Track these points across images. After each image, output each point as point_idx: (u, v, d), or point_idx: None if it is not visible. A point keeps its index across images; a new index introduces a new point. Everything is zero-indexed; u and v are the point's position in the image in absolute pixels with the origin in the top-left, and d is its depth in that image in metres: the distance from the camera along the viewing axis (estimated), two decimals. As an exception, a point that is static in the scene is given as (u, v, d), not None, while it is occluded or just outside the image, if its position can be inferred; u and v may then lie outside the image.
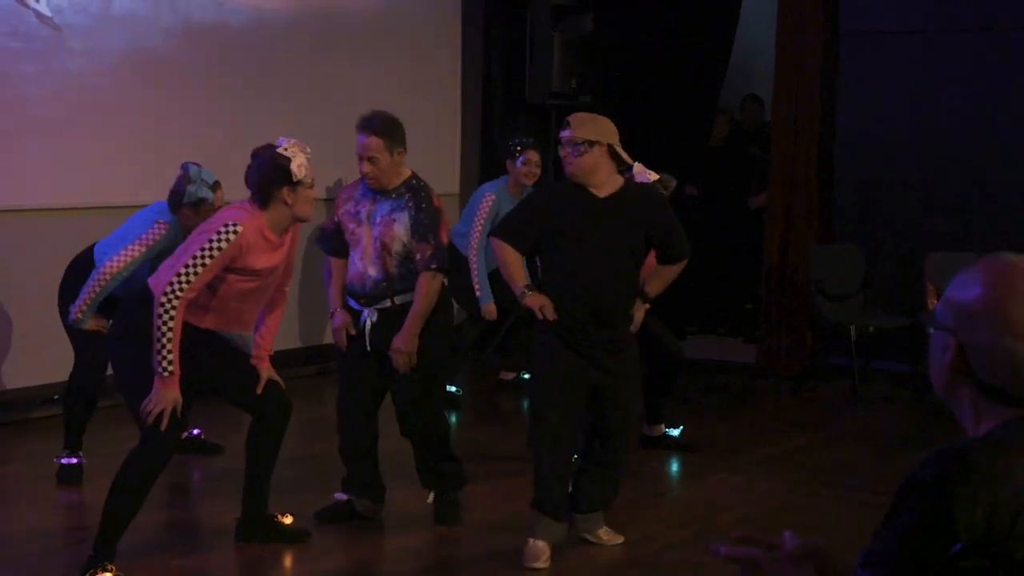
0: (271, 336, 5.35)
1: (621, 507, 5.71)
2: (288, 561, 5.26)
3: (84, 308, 5.82)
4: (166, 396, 4.72)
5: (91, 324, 5.88)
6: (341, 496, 5.60)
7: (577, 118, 5.24)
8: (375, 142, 5.29)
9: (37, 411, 7.23)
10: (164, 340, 4.68)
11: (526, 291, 5.15)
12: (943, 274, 7.50)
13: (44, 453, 6.35)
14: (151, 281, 4.85)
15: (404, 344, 5.27)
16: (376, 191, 5.36)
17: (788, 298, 9.09)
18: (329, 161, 8.76)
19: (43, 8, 7.23)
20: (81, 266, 6.09)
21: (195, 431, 6.69)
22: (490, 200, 7.72)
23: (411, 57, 9.35)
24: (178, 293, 4.70)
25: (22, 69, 7.19)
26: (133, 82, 7.65)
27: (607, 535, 5.44)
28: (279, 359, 8.61)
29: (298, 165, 4.87)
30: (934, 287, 7.95)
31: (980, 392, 2.01)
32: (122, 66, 7.62)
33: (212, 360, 5.03)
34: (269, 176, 4.88)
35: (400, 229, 5.30)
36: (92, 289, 5.80)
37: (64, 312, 6.04)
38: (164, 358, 4.68)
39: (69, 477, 6.08)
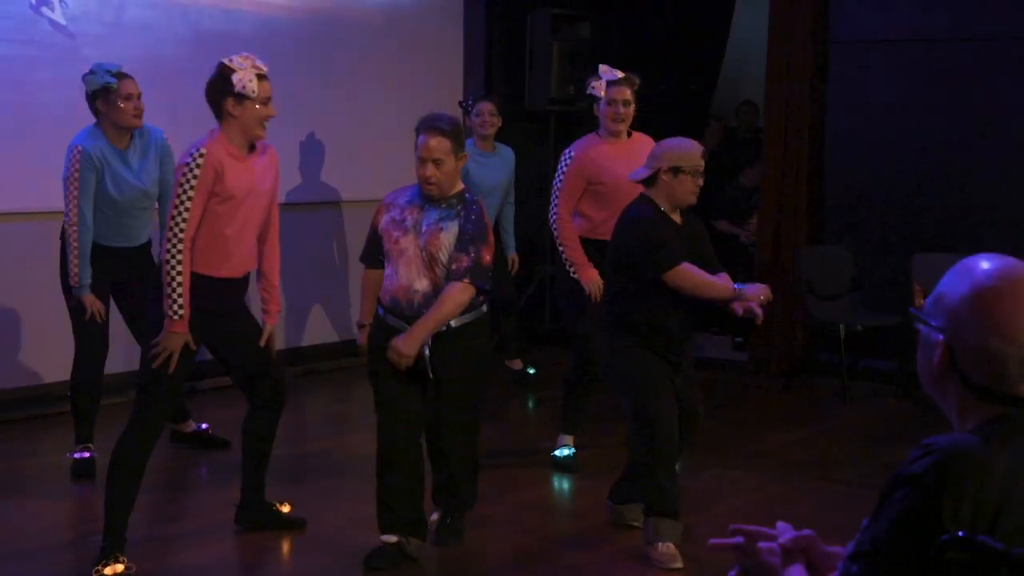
0: (275, 287, 5.18)
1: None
2: (298, 551, 5.24)
3: (75, 272, 5.84)
4: (176, 338, 4.66)
5: (89, 299, 5.88)
6: (390, 538, 4.98)
7: None
8: (443, 144, 4.77)
9: (54, 407, 7.21)
10: (174, 285, 4.64)
11: (739, 293, 5.08)
12: (929, 275, 7.48)
13: (60, 448, 6.34)
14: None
15: (405, 346, 4.72)
16: (427, 199, 4.85)
17: (779, 298, 9.07)
18: (333, 165, 8.78)
19: (58, 17, 7.23)
20: (61, 244, 6.08)
21: (203, 426, 6.68)
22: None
23: (414, 64, 9.34)
24: (179, 237, 4.65)
25: (37, 76, 7.19)
26: (145, 88, 7.60)
27: (638, 518, 5.45)
28: (316, 353, 8.69)
29: (239, 77, 4.74)
30: (921, 287, 7.94)
31: (966, 389, 2.00)
32: (135, 73, 7.53)
33: (227, 330, 4.96)
34: (215, 86, 4.80)
35: (447, 238, 4.79)
36: (70, 250, 5.83)
37: (65, 287, 6.01)
38: (174, 301, 4.64)
39: (82, 471, 6.06)
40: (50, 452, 6.46)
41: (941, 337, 2.01)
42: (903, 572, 1.91)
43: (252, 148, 4.89)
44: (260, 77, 4.80)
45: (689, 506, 5.86)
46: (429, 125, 4.81)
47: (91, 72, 5.93)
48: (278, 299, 5.20)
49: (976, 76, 8.46)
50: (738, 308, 5.11)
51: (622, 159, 6.15)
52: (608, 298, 5.34)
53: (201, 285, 4.78)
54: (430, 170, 4.76)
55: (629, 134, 6.44)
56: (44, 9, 7.17)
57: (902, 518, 1.93)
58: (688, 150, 5.18)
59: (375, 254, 4.99)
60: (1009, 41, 8.32)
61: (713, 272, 5.23)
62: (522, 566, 5.10)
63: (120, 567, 4.68)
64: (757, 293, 5.07)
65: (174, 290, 4.64)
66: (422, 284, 4.79)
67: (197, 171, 4.68)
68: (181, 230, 4.67)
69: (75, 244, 5.83)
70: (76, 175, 5.82)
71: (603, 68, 6.37)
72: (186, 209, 4.67)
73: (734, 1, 9.98)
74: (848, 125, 8.94)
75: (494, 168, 7.93)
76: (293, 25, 8.54)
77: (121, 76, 5.92)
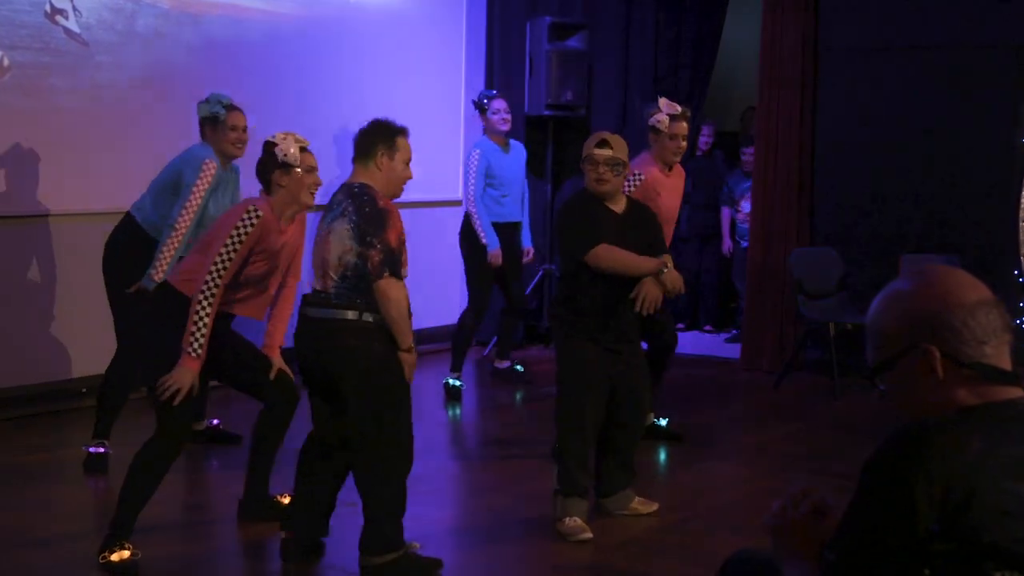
0: (283, 327, 5.32)
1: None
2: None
3: (163, 267, 5.83)
4: (189, 374, 4.64)
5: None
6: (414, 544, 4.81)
7: (615, 140, 5.25)
8: None
9: (67, 403, 7.21)
10: (200, 324, 4.65)
11: (663, 267, 5.11)
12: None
13: (73, 442, 6.33)
14: (177, 278, 4.85)
15: None
16: None
17: (771, 297, 9.08)
18: (337, 169, 8.76)
19: (72, 25, 7.22)
20: (124, 237, 6.10)
21: (214, 421, 6.67)
22: (476, 154, 7.89)
23: (417, 71, 9.34)
24: (217, 282, 4.70)
25: (52, 82, 7.18)
26: (157, 94, 7.63)
27: (641, 504, 5.51)
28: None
29: (283, 149, 4.85)
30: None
31: (978, 380, 1.99)
32: (146, 79, 7.60)
33: (226, 350, 5.02)
34: (262, 161, 4.92)
35: None
36: (169, 247, 5.86)
37: (113, 287, 6.00)
38: (196, 340, 4.64)
39: (96, 465, 6.03)
40: (65, 445, 6.46)
41: (933, 348, 2.00)
42: (877, 555, 1.90)
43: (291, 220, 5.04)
44: (302, 149, 4.93)
45: (681, 498, 5.86)
46: (406, 128, 4.75)
47: (205, 100, 6.16)
48: (282, 336, 5.32)
49: (962, 83, 8.44)
50: (637, 303, 5.09)
51: (671, 190, 6.34)
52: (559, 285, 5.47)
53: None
54: (412, 173, 4.76)
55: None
56: (59, 18, 7.16)
57: (873, 502, 1.92)
58: (587, 142, 5.30)
59: None
60: (995, 49, 8.31)
61: (654, 253, 5.25)
62: (534, 550, 5.07)
63: (126, 553, 4.68)
64: (674, 281, 5.10)
65: (199, 330, 4.65)
66: None
67: (250, 228, 4.78)
68: (220, 276, 4.72)
69: (174, 243, 5.89)
70: (205, 184, 6.00)
71: (663, 101, 6.27)
72: (230, 260, 4.75)
73: (726, 9, 9.95)
74: (837, 130, 8.93)
75: (514, 163, 8.07)
76: (298, 32, 8.53)
77: (231, 108, 6.13)
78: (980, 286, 2.05)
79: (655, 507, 5.54)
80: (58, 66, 7.18)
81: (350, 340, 4.49)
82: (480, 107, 8.04)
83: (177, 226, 5.90)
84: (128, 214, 6.14)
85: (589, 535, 5.15)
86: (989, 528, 1.85)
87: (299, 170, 4.89)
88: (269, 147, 4.91)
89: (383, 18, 9.14)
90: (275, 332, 5.33)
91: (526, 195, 8.21)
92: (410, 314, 4.62)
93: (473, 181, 7.80)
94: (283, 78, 8.42)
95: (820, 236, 9.02)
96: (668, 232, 6.21)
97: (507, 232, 7.92)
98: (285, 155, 4.85)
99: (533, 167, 9.60)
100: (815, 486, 2.18)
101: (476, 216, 7.76)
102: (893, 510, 1.87)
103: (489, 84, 9.95)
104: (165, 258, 5.86)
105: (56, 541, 5.08)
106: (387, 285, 4.44)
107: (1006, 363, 2.03)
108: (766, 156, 9.07)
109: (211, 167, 6.01)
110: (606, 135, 5.30)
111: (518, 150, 8.16)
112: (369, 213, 4.48)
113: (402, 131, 4.70)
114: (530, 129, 9.75)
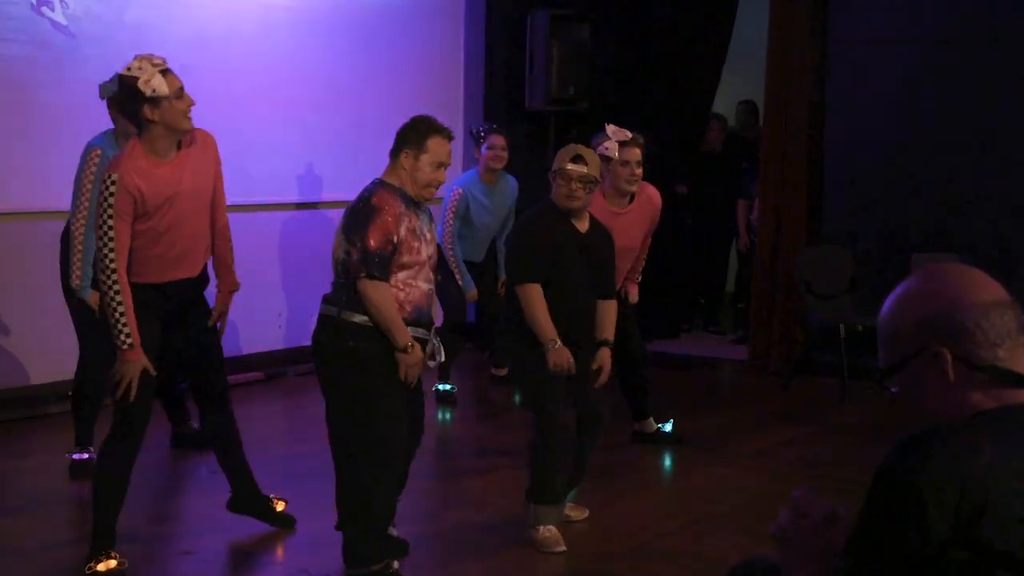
0: (230, 270, 4.99)
1: (616, 498, 5.72)
2: (294, 549, 5.19)
3: (77, 272, 5.66)
4: (130, 366, 4.51)
5: (93, 298, 5.59)
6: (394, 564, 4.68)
7: (590, 155, 5.12)
8: None
9: (54, 406, 7.17)
10: (116, 314, 4.46)
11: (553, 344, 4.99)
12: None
13: (60, 447, 6.29)
14: None
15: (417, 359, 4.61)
16: (415, 204, 4.59)
17: (779, 297, 9.04)
18: (333, 164, 8.74)
19: (59, 17, 7.19)
20: (63, 247, 5.96)
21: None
22: (458, 193, 7.65)
23: (415, 65, 9.31)
24: (110, 265, 4.46)
25: (38, 76, 7.15)
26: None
27: (574, 511, 5.48)
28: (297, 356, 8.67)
29: (145, 81, 4.51)
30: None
31: (991, 384, 1.97)
32: (135, 73, 7.56)
33: (175, 331, 4.84)
34: (125, 101, 4.59)
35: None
36: (73, 251, 5.65)
37: (66, 289, 5.89)
38: (120, 331, 4.47)
39: (81, 471, 6.00)
40: (51, 451, 6.42)
41: (944, 351, 1.99)
42: (889, 564, 1.88)
43: (178, 147, 4.67)
44: (164, 72, 4.57)
45: (685, 504, 5.83)
46: (448, 129, 4.64)
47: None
48: (231, 279, 5.01)
49: (974, 77, 8.41)
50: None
51: (622, 228, 6.01)
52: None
53: (148, 294, 4.64)
54: (444, 176, 4.65)
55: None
56: (45, 9, 7.13)
57: (885, 510, 1.90)
58: (560, 155, 5.15)
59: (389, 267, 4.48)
60: (1007, 43, 8.28)
61: (604, 283, 5.22)
62: (521, 556, 5.04)
63: (113, 563, 4.64)
64: (562, 362, 4.99)
65: (117, 320, 4.46)
66: (431, 289, 4.67)
67: (112, 200, 4.46)
68: (111, 260, 4.46)
69: (76, 246, 5.69)
70: (90, 175, 5.65)
71: (611, 128, 6.08)
72: (111, 238, 4.46)
73: (737, 1, 9.92)
74: (847, 125, 8.90)
75: (495, 204, 7.77)
76: (293, 26, 8.50)
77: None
78: (994, 286, 2.02)
79: (586, 513, 5.50)
80: (44, 59, 7.15)
81: (321, 337, 4.54)
82: (476, 138, 7.77)
83: (73, 229, 5.62)
84: (66, 223, 5.97)
85: (562, 547, 5.07)
86: (1004, 536, 1.83)
87: (168, 99, 4.53)
88: (130, 82, 4.51)
89: (379, 11, 9.11)
90: (223, 275, 4.97)
91: (508, 227, 7.71)
92: (427, 319, 4.60)
93: (451, 221, 7.58)
94: (277, 72, 8.39)
95: (829, 234, 8.99)
96: (623, 268, 6.04)
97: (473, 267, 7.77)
98: (154, 89, 4.49)
99: (533, 164, 9.57)
100: (817, 491, 2.15)
101: (452, 258, 7.57)
102: (905, 518, 1.85)
103: (489, 79, 9.92)
104: (75, 264, 5.66)
105: (39, 552, 5.04)
106: (365, 287, 4.41)
107: (1021, 366, 2.00)
108: (773, 152, 9.04)
109: (94, 155, 5.67)
110: (581, 149, 5.12)
111: (508, 186, 7.82)
112: (357, 211, 4.47)
113: (438, 132, 4.56)
114: (531, 125, 9.72)
